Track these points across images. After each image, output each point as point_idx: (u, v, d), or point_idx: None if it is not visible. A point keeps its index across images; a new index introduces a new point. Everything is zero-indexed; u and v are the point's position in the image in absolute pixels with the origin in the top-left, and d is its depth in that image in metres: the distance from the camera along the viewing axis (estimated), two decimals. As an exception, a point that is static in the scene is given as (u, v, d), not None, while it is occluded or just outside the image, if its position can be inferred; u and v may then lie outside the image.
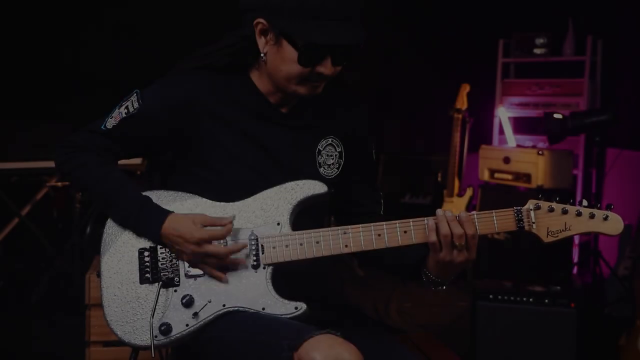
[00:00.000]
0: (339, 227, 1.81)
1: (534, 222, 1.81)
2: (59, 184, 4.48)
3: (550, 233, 1.80)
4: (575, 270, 4.96)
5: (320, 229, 1.81)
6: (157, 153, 1.91)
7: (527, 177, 4.87)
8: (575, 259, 4.94)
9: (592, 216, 1.79)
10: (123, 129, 1.86)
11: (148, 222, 1.81)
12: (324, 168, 1.94)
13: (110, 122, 1.87)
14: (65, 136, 1.92)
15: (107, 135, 1.87)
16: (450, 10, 5.73)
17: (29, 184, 4.49)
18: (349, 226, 1.81)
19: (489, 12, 5.64)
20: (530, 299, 3.30)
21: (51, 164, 4.17)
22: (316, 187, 1.85)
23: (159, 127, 1.84)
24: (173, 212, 1.82)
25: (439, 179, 5.09)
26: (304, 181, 1.85)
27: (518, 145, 5.25)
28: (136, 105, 1.84)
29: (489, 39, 5.59)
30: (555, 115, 4.45)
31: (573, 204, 1.81)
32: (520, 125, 5.58)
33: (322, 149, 1.95)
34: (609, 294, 4.28)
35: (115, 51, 5.22)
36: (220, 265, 1.80)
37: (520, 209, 1.82)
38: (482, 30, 5.65)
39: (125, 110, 1.85)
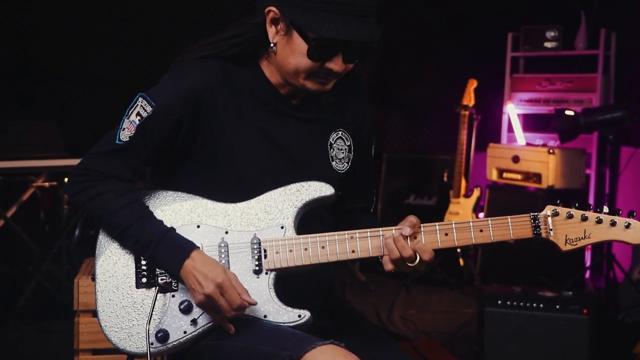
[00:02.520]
0: (345, 232, 1.81)
1: (551, 229, 1.79)
2: (46, 184, 4.49)
3: (568, 241, 1.78)
4: (587, 274, 4.98)
5: (326, 233, 1.81)
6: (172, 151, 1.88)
7: (537, 177, 4.88)
8: (588, 262, 4.95)
9: (613, 224, 1.77)
10: (141, 135, 1.82)
11: (170, 254, 1.78)
12: (335, 162, 1.96)
13: (125, 134, 1.83)
14: (78, 163, 1.88)
15: (124, 149, 1.83)
16: (457, 3, 5.75)
17: (15, 184, 4.50)
18: (356, 231, 1.81)
19: (497, 4, 5.65)
20: (541, 305, 3.31)
21: (38, 163, 4.20)
22: (322, 189, 1.85)
23: (176, 119, 1.82)
24: (198, 247, 1.80)
25: (445, 179, 5.10)
26: (309, 183, 1.85)
27: (528, 144, 5.27)
28: (149, 107, 1.81)
29: (497, 33, 5.60)
30: (567, 112, 4.47)
31: (593, 209, 1.79)
32: (530, 123, 5.60)
33: (333, 142, 1.96)
34: (623, 299, 4.29)
35: (101, 48, 5.24)
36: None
37: (537, 215, 1.79)
38: (490, 24, 5.66)
39: (138, 118, 1.82)
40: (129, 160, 1.85)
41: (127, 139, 1.83)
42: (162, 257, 1.78)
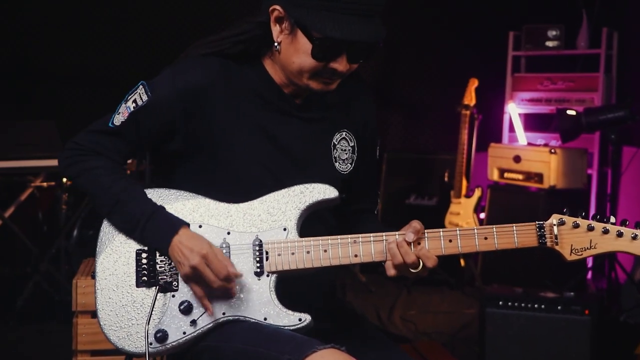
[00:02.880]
0: (348, 236, 1.81)
1: (557, 239, 1.78)
2: (45, 184, 4.49)
3: (574, 251, 1.78)
4: (589, 275, 4.98)
5: (329, 237, 1.81)
6: (164, 147, 1.89)
7: (538, 177, 4.88)
8: (590, 263, 4.95)
9: (619, 235, 1.76)
10: (133, 123, 1.85)
11: (159, 230, 1.79)
12: (339, 163, 1.95)
13: (118, 119, 1.86)
14: (71, 138, 1.91)
15: (116, 133, 1.86)
16: (458, 2, 5.75)
17: (13, 184, 4.50)
18: (359, 235, 1.81)
19: (498, 3, 5.66)
20: (542, 306, 3.31)
21: (36, 163, 4.21)
22: (326, 192, 1.84)
23: (171, 117, 1.82)
24: (189, 224, 1.81)
25: (446, 179, 5.10)
26: (313, 185, 1.84)
27: (529, 144, 5.27)
28: (145, 97, 1.83)
29: (498, 32, 5.60)
30: (569, 112, 4.47)
31: (600, 219, 1.78)
32: (532, 122, 5.60)
33: (336, 143, 1.95)
34: (624, 300, 4.29)
35: (101, 48, 5.24)
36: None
37: (543, 223, 1.79)
38: (491, 23, 5.66)
39: (134, 104, 1.84)
40: (119, 144, 1.88)
41: (119, 124, 1.86)
42: (151, 234, 1.80)
